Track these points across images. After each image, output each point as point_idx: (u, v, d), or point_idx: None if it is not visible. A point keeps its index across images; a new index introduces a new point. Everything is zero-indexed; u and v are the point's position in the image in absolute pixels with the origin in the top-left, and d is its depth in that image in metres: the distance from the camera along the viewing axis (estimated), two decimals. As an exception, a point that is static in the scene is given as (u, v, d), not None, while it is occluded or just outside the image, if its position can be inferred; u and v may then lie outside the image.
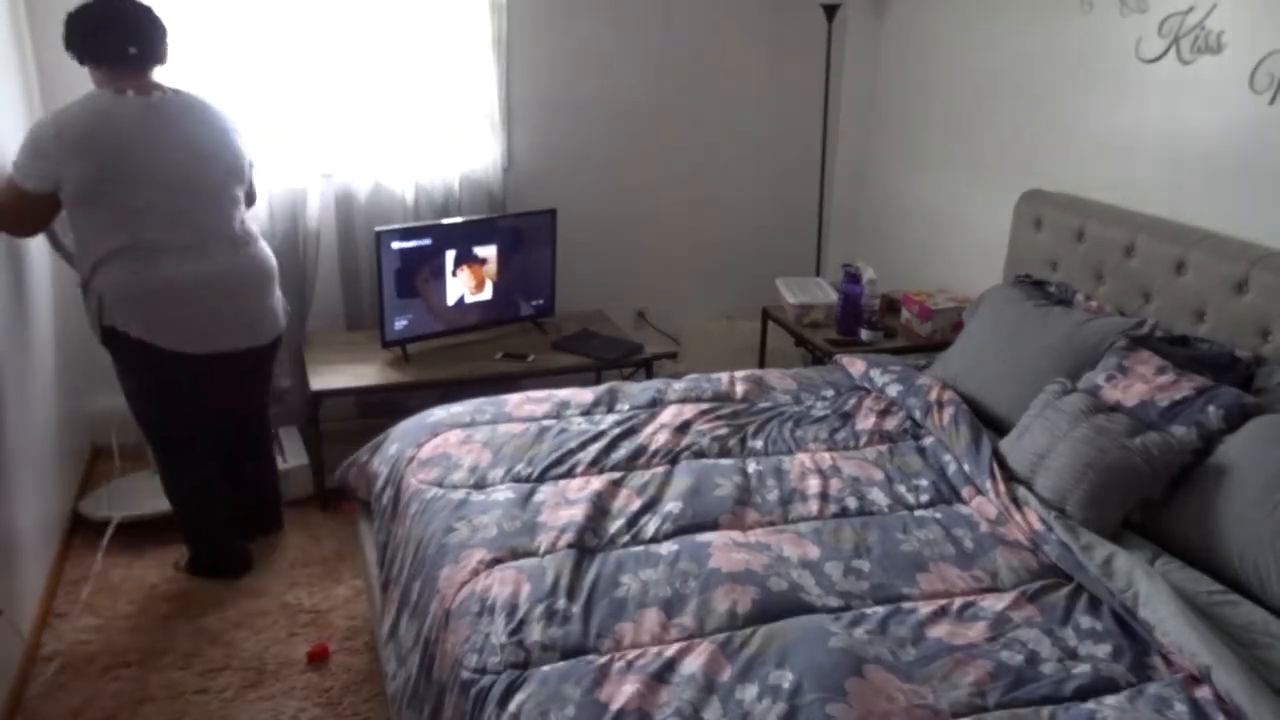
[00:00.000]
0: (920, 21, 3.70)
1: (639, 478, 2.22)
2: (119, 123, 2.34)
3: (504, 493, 2.13)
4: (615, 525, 2.03)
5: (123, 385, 2.63)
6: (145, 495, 3.14)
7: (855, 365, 2.85)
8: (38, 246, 2.91)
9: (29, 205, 2.37)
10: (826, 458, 2.35)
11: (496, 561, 1.89)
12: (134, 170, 2.35)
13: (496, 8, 3.48)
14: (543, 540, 1.95)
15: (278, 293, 2.73)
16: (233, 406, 2.78)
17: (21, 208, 2.38)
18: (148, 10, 2.44)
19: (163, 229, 2.41)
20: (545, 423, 2.47)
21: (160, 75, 2.51)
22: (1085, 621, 1.78)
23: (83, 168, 2.31)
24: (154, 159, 2.37)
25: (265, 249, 2.67)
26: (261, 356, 2.73)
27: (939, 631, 1.73)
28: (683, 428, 2.44)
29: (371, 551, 2.36)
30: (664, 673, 1.60)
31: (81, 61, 2.43)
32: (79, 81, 3.12)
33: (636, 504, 2.11)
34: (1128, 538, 2.02)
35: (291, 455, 3.27)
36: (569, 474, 2.24)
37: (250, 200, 2.72)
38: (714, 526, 2.04)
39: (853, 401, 2.65)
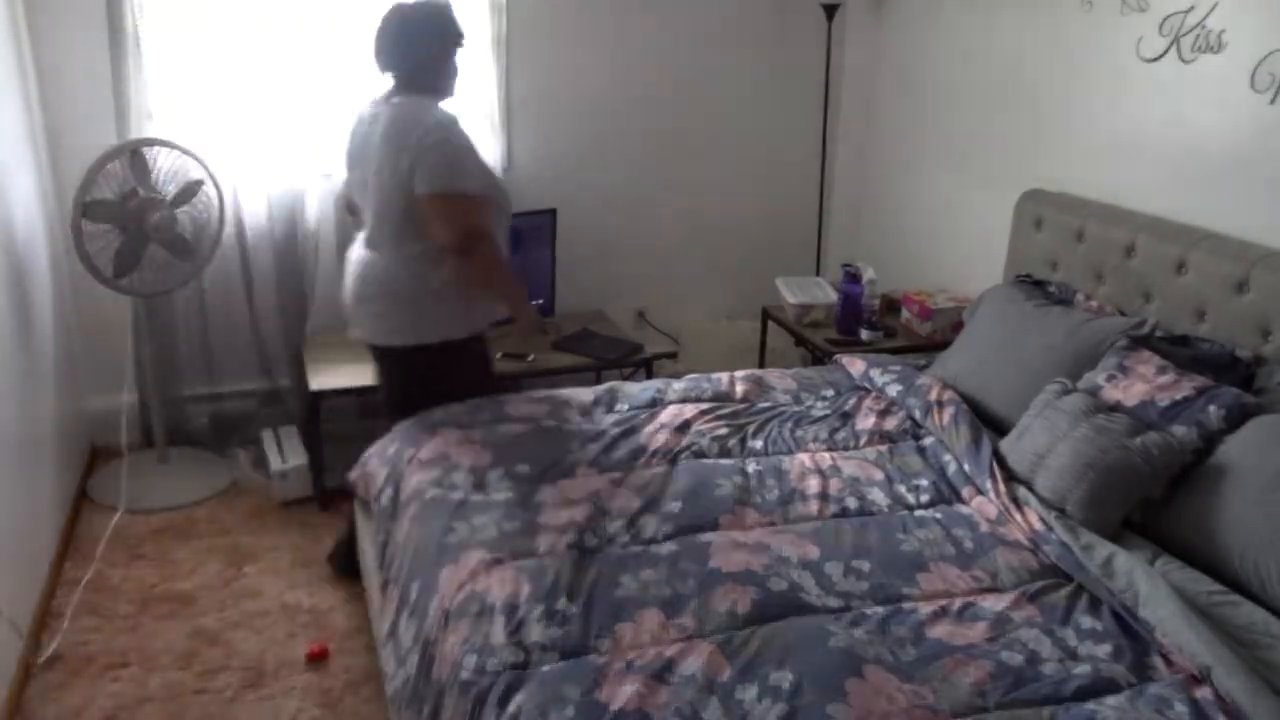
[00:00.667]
0: (920, 21, 3.70)
1: (639, 478, 2.22)
2: (358, 120, 2.52)
3: (503, 493, 2.13)
4: (615, 525, 2.03)
5: None
6: (155, 489, 3.16)
7: (855, 365, 2.85)
8: (37, 247, 2.91)
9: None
10: (826, 458, 2.35)
11: (496, 562, 1.89)
12: (356, 165, 2.52)
13: (496, 8, 3.48)
14: (542, 540, 1.95)
15: (406, 310, 2.47)
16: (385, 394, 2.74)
17: None
18: (391, 23, 2.41)
19: (361, 216, 2.56)
20: (545, 423, 2.47)
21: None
22: (1085, 622, 1.78)
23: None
24: (356, 159, 2.52)
25: (396, 267, 2.44)
26: (383, 357, 2.60)
27: (939, 632, 1.73)
28: (682, 428, 2.44)
29: (371, 551, 2.36)
30: (664, 673, 1.59)
31: None
32: (78, 82, 3.14)
33: (636, 504, 2.10)
34: (1128, 538, 2.01)
35: (291, 455, 3.27)
36: (569, 474, 2.24)
37: (439, 238, 2.36)
38: (714, 527, 2.04)
39: (853, 401, 2.65)
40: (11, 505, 2.40)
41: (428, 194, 2.32)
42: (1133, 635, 1.75)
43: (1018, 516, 2.08)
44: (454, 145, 2.36)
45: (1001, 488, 2.16)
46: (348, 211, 2.79)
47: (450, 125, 2.37)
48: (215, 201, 3.09)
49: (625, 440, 2.38)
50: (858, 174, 4.15)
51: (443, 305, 2.47)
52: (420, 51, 2.42)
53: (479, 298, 2.53)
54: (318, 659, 2.47)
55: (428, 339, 2.48)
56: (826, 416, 2.56)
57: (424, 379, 2.57)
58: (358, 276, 2.53)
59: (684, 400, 2.62)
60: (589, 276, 3.88)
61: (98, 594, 2.71)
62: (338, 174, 3.43)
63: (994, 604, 1.82)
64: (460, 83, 2.54)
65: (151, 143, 2.94)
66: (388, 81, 2.46)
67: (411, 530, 2.09)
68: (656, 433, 2.41)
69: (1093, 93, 2.88)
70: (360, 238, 2.56)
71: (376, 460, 2.45)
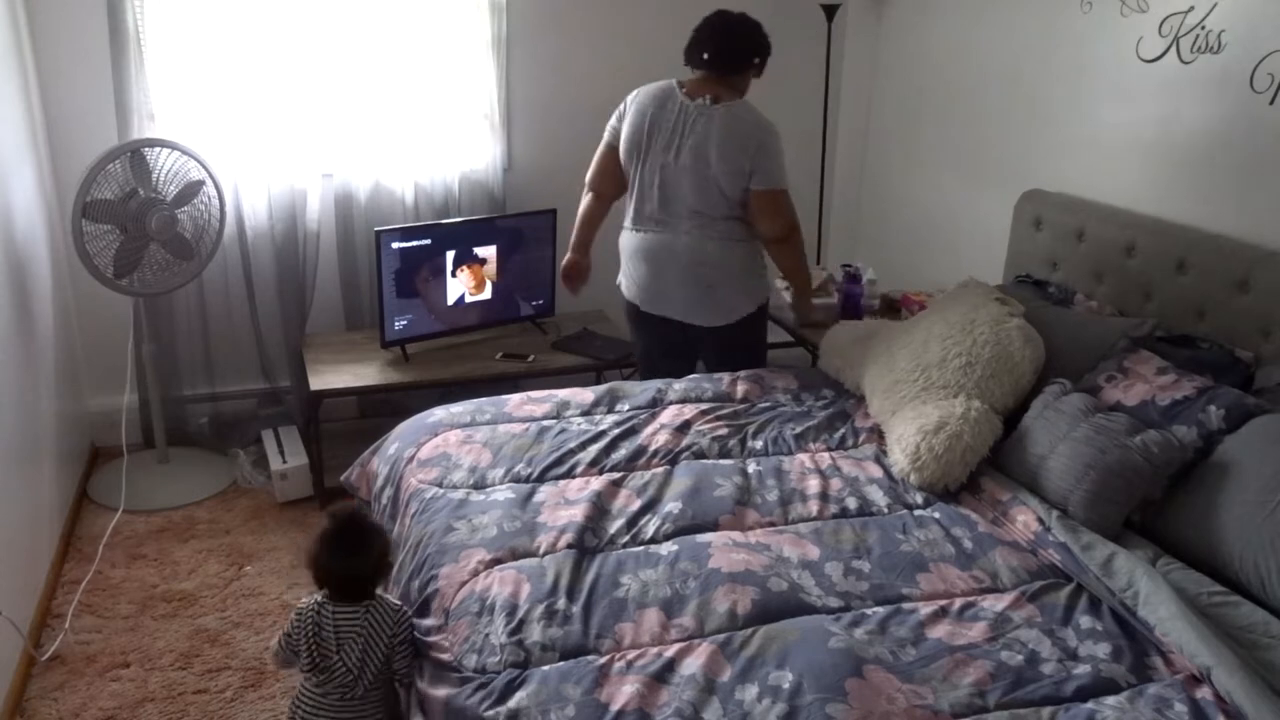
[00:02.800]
0: (920, 21, 3.70)
1: (639, 478, 2.22)
2: (657, 107, 2.72)
3: (504, 493, 2.13)
4: (615, 525, 2.03)
5: None
6: (155, 489, 3.16)
7: (855, 365, 2.85)
8: (37, 247, 2.91)
9: (601, 153, 2.89)
10: (826, 458, 2.35)
11: (496, 562, 1.89)
12: (646, 149, 2.72)
13: (496, 8, 3.48)
14: (543, 540, 1.95)
15: (730, 289, 2.77)
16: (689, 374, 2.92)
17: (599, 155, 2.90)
18: (741, 27, 2.72)
19: (647, 201, 2.76)
20: (545, 423, 2.47)
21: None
22: (1085, 622, 1.78)
23: (624, 130, 2.78)
24: (662, 148, 2.70)
25: (730, 251, 2.74)
26: (704, 337, 2.85)
27: (939, 632, 1.73)
28: (683, 428, 2.44)
29: (371, 551, 2.35)
30: (664, 673, 1.60)
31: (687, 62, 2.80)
32: (79, 82, 3.14)
33: (636, 504, 2.11)
34: (1128, 538, 2.01)
35: (291, 455, 3.27)
36: (569, 474, 2.24)
37: (767, 230, 2.76)
38: (714, 527, 2.04)
39: (852, 401, 2.65)
40: (11, 505, 2.40)
41: (765, 190, 2.68)
42: (1133, 635, 1.75)
43: (1007, 524, 2.08)
44: (779, 147, 2.68)
45: (998, 493, 2.17)
46: (597, 189, 2.94)
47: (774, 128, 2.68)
48: (216, 202, 3.09)
49: (625, 440, 2.38)
50: (857, 174, 4.15)
51: (751, 280, 2.82)
52: (752, 59, 2.74)
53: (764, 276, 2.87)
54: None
55: (745, 311, 2.83)
56: (827, 416, 2.56)
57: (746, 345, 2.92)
58: (669, 261, 2.76)
59: (684, 400, 2.61)
60: (589, 277, 3.87)
61: (98, 594, 2.71)
62: (338, 173, 3.45)
63: (994, 604, 1.82)
64: None
65: (153, 143, 2.94)
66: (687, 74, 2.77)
67: (412, 529, 2.09)
68: (657, 433, 2.41)
69: (1093, 93, 2.88)
70: (649, 216, 2.76)
71: (377, 460, 2.45)
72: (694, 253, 2.72)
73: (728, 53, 2.70)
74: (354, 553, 1.82)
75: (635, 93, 2.81)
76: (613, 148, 2.84)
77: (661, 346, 2.95)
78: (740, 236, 2.75)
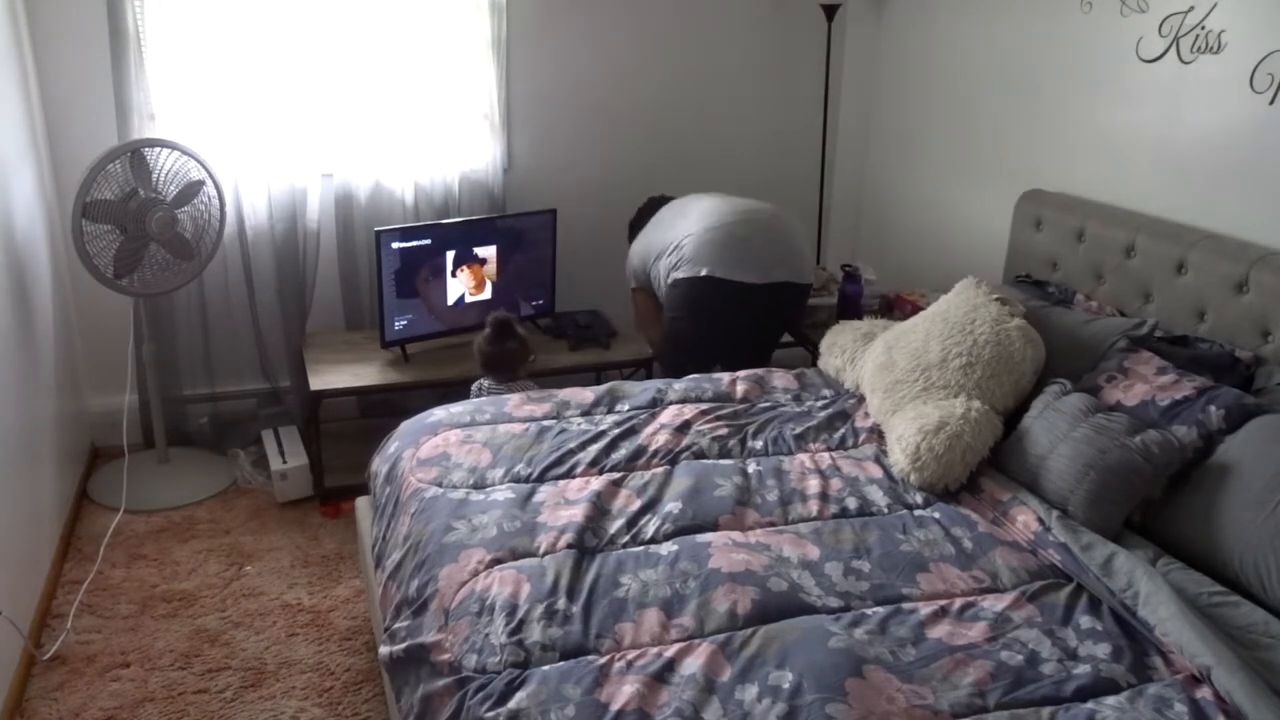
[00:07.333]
0: (920, 21, 3.70)
1: (639, 478, 2.22)
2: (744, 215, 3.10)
3: (503, 493, 2.13)
4: (615, 525, 2.03)
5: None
6: (155, 489, 3.17)
7: (855, 365, 2.85)
8: (37, 247, 2.91)
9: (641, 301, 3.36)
10: (826, 458, 2.35)
11: (496, 562, 1.89)
12: (698, 204, 3.18)
13: (496, 8, 3.48)
14: (542, 540, 1.95)
15: (808, 253, 3.15)
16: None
17: None
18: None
19: (724, 203, 3.11)
20: (545, 423, 2.47)
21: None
22: (1085, 622, 1.78)
23: (652, 240, 3.23)
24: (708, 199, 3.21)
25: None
26: (779, 304, 3.07)
27: (939, 632, 1.73)
28: (683, 428, 2.44)
29: (371, 551, 2.36)
30: (664, 673, 1.60)
31: None
32: (79, 82, 3.14)
33: (636, 504, 2.11)
34: (1128, 538, 2.01)
35: (291, 455, 3.27)
36: (569, 474, 2.24)
37: None
38: (714, 527, 2.04)
39: (852, 401, 2.65)
40: (11, 505, 2.40)
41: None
42: (1133, 635, 1.75)
43: (1007, 524, 2.08)
44: None
45: (998, 493, 2.17)
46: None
47: None
48: (216, 202, 3.09)
49: (625, 440, 2.38)
50: (858, 174, 4.15)
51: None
52: None
53: None
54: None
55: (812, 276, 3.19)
56: (827, 416, 2.56)
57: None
58: (792, 230, 3.12)
59: (684, 400, 2.61)
60: (589, 276, 3.88)
61: (98, 594, 2.71)
62: (338, 173, 3.46)
63: (994, 604, 1.82)
64: None
65: (153, 143, 2.94)
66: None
67: (411, 529, 2.09)
68: (657, 433, 2.41)
69: (1093, 93, 2.88)
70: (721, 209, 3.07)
71: (378, 459, 2.45)
72: (784, 216, 3.10)
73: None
74: (503, 340, 2.85)
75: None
76: (646, 288, 3.24)
77: (730, 325, 3.06)
78: None
